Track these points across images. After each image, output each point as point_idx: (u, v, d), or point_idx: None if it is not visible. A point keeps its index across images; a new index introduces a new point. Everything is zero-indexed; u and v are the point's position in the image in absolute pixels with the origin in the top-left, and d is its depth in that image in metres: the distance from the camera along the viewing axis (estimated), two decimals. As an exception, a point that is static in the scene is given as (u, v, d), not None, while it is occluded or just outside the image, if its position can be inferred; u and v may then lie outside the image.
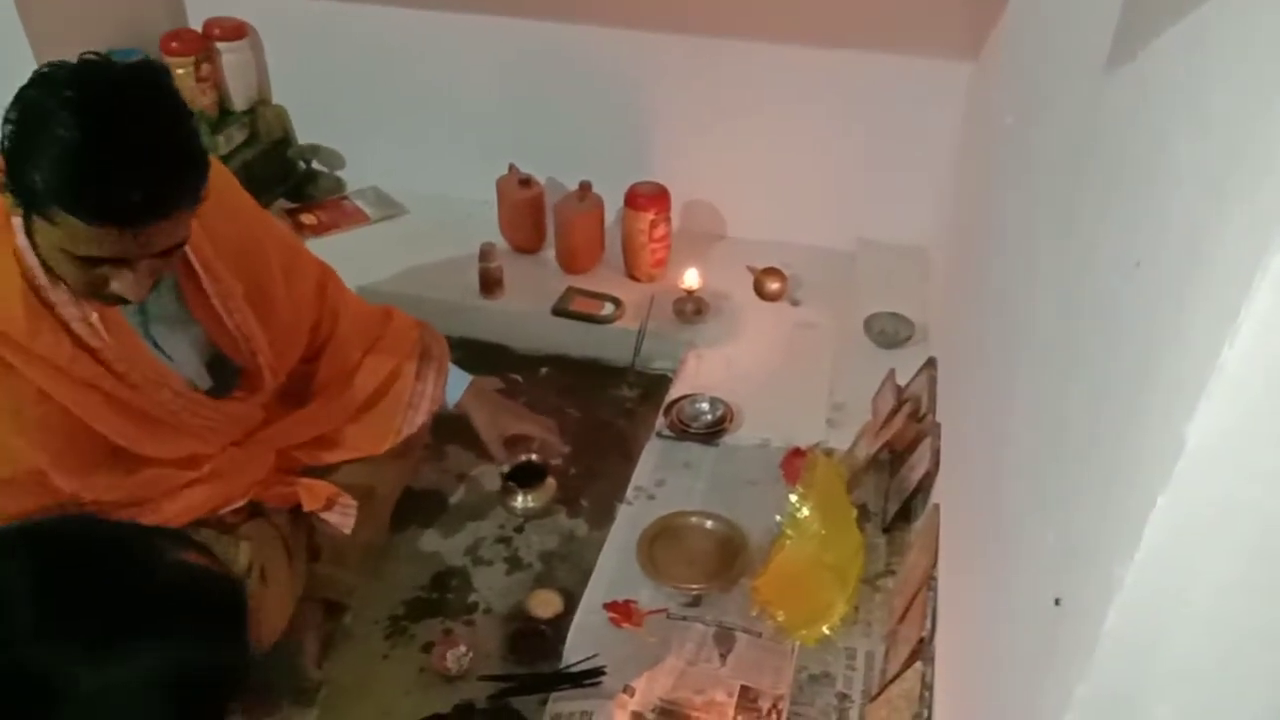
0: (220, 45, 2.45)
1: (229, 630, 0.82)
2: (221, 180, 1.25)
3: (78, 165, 1.11)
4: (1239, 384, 0.60)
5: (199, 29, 2.49)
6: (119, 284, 1.21)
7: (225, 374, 1.48)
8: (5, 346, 1.24)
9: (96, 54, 1.16)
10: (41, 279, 1.24)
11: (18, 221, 1.21)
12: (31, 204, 1.15)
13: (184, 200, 1.18)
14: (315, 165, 2.65)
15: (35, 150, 1.12)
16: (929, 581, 1.44)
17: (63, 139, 1.10)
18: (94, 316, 1.28)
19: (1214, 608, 0.67)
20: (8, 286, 1.23)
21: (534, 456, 1.90)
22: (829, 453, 1.84)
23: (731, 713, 1.44)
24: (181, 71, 2.42)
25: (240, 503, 1.52)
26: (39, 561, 0.76)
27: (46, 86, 1.13)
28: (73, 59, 1.16)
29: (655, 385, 2.19)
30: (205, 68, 2.43)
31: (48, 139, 1.10)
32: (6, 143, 1.14)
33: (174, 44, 2.41)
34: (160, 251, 1.20)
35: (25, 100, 1.13)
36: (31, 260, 1.23)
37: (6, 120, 1.14)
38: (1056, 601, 0.77)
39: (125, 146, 1.13)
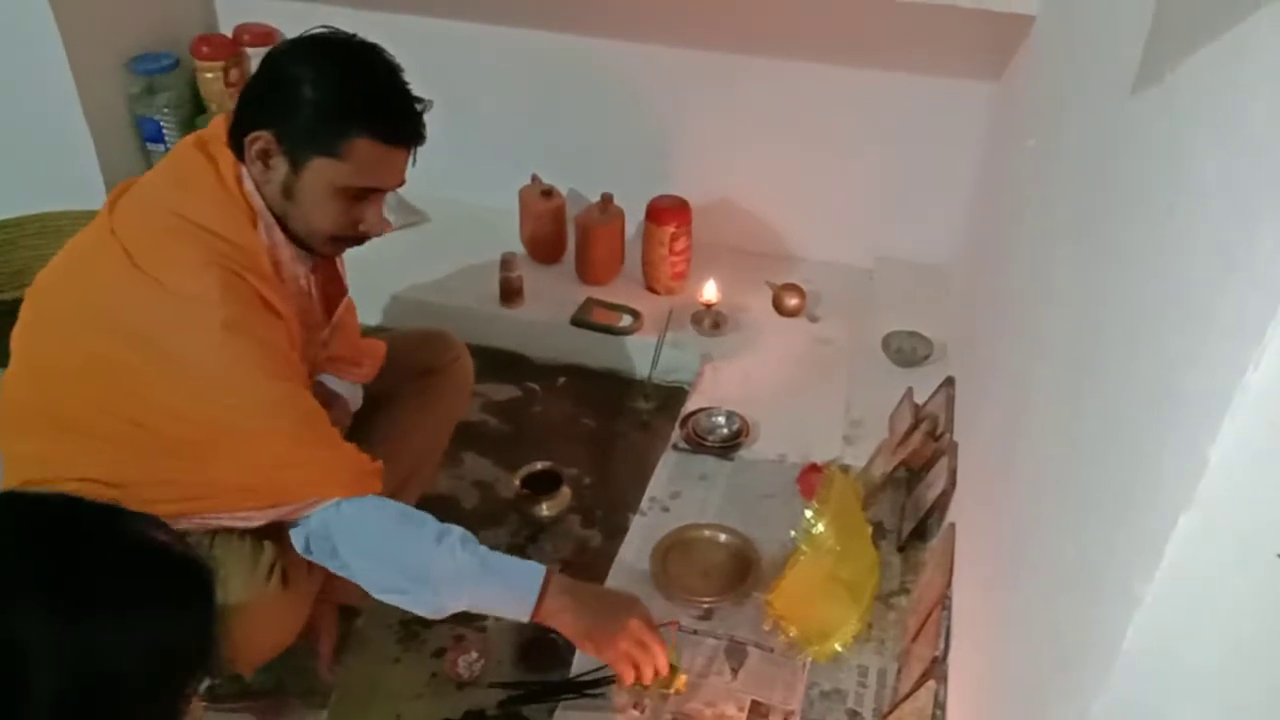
0: (250, 50, 2.48)
1: (196, 607, 0.83)
2: None
3: (379, 94, 1.31)
4: (1263, 404, 0.60)
5: (229, 34, 2.52)
6: (372, 217, 1.37)
7: None
8: (273, 301, 1.31)
9: (324, 27, 1.34)
10: (277, 235, 1.34)
11: (251, 186, 1.31)
12: (316, 144, 1.28)
13: None
14: (339, 171, 2.66)
15: (330, 89, 1.28)
16: (944, 600, 1.43)
17: (358, 74, 1.30)
18: (313, 278, 1.43)
19: (1234, 626, 0.67)
20: (257, 246, 1.31)
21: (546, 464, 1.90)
22: (845, 469, 1.84)
23: (742, 727, 1.44)
24: (210, 75, 2.45)
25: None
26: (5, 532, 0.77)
27: (306, 46, 1.31)
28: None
29: (672, 397, 2.19)
30: (234, 73, 2.46)
31: (336, 77, 1.29)
32: (271, 103, 1.29)
33: (204, 48, 2.44)
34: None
35: (291, 58, 1.30)
36: (268, 219, 1.33)
37: (258, 88, 1.31)
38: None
39: (399, 80, 1.34)
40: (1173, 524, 0.65)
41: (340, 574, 1.36)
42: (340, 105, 1.28)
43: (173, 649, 0.80)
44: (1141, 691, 0.72)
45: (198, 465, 1.30)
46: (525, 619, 1.37)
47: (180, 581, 0.82)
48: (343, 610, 1.67)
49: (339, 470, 1.33)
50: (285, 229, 1.35)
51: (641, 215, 2.31)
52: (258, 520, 1.36)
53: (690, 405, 2.05)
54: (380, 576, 1.35)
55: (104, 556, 0.78)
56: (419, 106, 1.35)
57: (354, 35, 1.34)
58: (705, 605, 1.61)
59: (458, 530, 1.36)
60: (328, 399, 1.55)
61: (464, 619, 1.71)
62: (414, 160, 1.38)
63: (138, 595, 0.78)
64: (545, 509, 1.90)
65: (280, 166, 1.30)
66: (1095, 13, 1.35)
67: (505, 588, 1.37)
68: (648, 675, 1.38)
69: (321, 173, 1.30)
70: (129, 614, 0.77)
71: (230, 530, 1.38)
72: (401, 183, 1.37)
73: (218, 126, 1.35)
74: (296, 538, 1.36)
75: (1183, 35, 0.88)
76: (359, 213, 1.36)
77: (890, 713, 1.38)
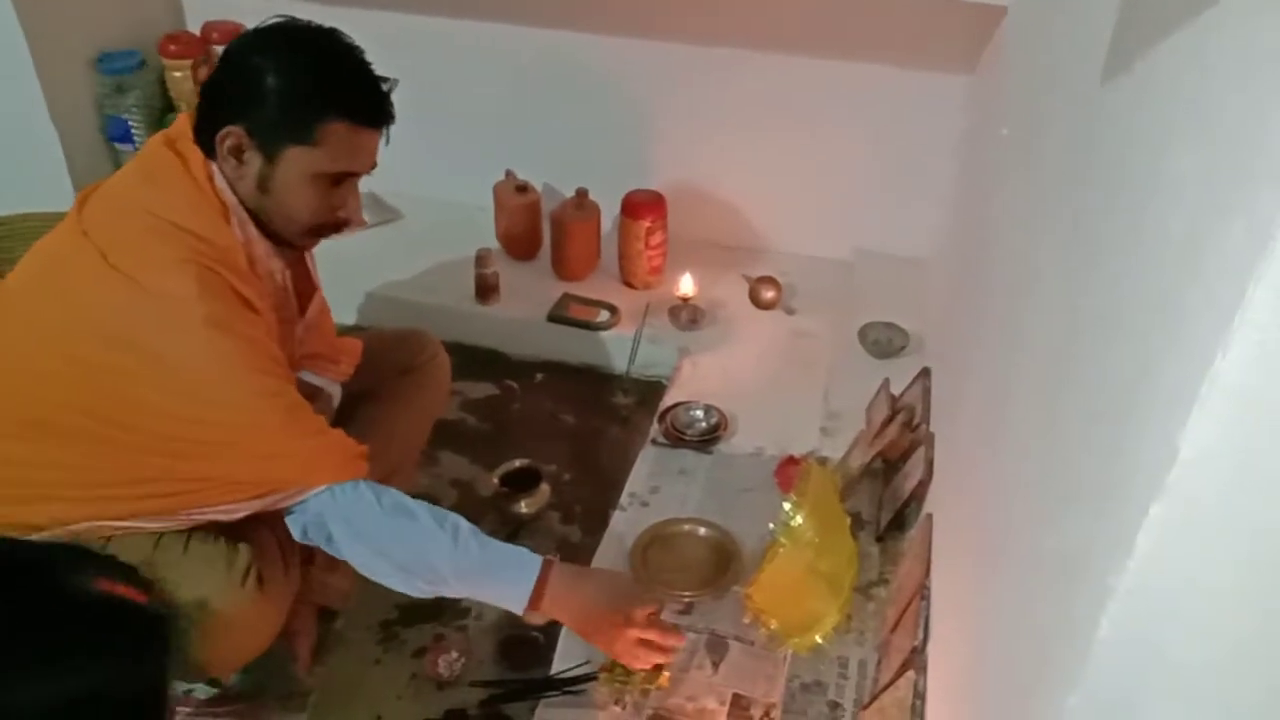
0: (218, 48, 2.45)
1: (141, 660, 0.79)
2: None
3: (346, 76, 1.30)
4: (1232, 393, 0.60)
5: (197, 32, 2.50)
6: (351, 204, 1.37)
7: None
8: (249, 297, 1.29)
9: (280, 16, 1.32)
10: (251, 230, 1.33)
11: (223, 183, 1.30)
12: (288, 133, 1.27)
13: None
14: (312, 169, 2.65)
15: (297, 77, 1.27)
16: (922, 590, 1.44)
17: (323, 58, 1.29)
18: (288, 273, 1.41)
19: (1207, 616, 0.67)
20: (231, 243, 1.29)
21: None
22: (823, 461, 1.84)
23: (723, 720, 1.44)
24: (179, 74, 2.43)
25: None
26: None
27: (265, 36, 1.29)
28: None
29: (650, 392, 2.19)
30: (203, 71, 2.44)
31: (301, 63, 1.27)
32: (239, 97, 1.27)
33: (172, 46, 2.42)
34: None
35: (252, 49, 1.28)
36: (241, 214, 1.32)
37: (222, 84, 1.30)
38: None
39: (364, 61, 1.33)
40: (1144, 513, 0.65)
41: (338, 557, 1.37)
42: (309, 91, 1.28)
43: (109, 704, 0.76)
44: (1118, 681, 0.72)
45: (183, 461, 1.29)
46: (520, 611, 1.37)
47: (117, 633, 0.78)
48: (321, 612, 1.66)
49: (325, 457, 1.33)
50: (261, 224, 1.34)
51: (617, 210, 2.30)
52: (243, 511, 1.35)
53: (668, 399, 2.05)
54: (374, 562, 1.36)
55: (28, 610, 0.74)
56: (385, 86, 1.35)
57: (310, 21, 1.33)
58: (686, 599, 1.61)
59: (454, 517, 1.37)
60: (310, 393, 1.54)
61: (443, 618, 1.71)
62: (387, 139, 1.37)
63: (66, 650, 0.74)
64: (524, 506, 1.90)
65: (254, 160, 1.30)
66: (1066, 2, 1.35)
67: (499, 578, 1.37)
68: (664, 659, 1.40)
69: (297, 161, 1.30)
70: (54, 671, 0.73)
71: (206, 533, 1.37)
72: (375, 164, 1.37)
73: (184, 125, 1.34)
74: (293, 525, 1.36)
75: (1151, 24, 0.88)
76: (337, 199, 1.36)
77: (871, 703, 1.39)
